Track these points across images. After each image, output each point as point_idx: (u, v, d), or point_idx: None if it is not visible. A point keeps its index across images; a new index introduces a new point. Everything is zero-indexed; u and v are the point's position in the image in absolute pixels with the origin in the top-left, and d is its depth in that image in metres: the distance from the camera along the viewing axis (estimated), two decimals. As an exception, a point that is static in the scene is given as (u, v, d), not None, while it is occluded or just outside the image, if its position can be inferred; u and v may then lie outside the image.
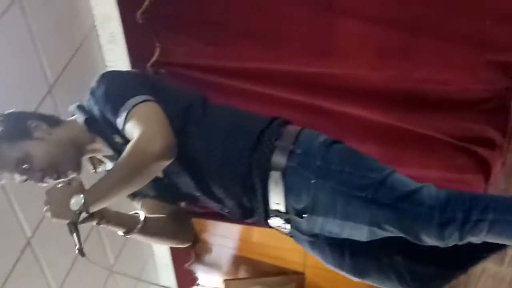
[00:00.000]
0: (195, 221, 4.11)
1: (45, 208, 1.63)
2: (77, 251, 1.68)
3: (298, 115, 3.11)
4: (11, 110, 1.82)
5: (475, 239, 1.68)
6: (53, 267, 3.25)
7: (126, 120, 1.67)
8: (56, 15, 3.03)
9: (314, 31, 2.94)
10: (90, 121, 1.82)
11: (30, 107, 2.33)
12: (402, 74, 2.93)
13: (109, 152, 1.87)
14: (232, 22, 3.04)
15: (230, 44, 3.13)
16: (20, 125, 1.77)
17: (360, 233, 1.73)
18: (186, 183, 1.86)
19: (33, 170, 1.73)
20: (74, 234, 1.66)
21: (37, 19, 2.83)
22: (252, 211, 1.87)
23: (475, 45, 2.77)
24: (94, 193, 1.63)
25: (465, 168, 3.30)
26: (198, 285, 5.18)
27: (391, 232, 1.71)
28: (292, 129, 1.85)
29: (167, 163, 1.66)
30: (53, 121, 1.84)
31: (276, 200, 1.79)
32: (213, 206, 1.93)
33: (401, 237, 1.78)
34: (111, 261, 4.04)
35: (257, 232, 4.47)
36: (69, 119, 1.89)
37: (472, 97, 2.98)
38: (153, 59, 3.27)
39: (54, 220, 1.62)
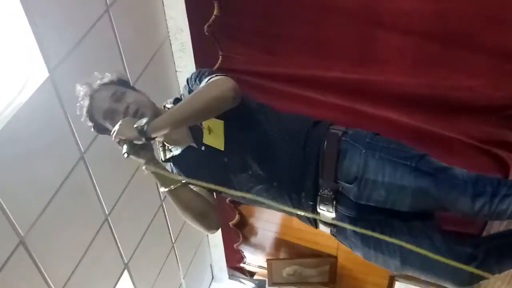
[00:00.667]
0: (244, 207, 4.14)
1: (116, 126, 1.59)
2: (124, 154, 1.58)
3: (340, 116, 3.13)
4: None
5: (503, 214, 1.65)
6: (124, 241, 3.30)
7: (207, 81, 1.70)
8: (137, 26, 3.07)
9: (357, 42, 2.90)
10: (179, 100, 1.83)
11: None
12: (433, 82, 2.88)
13: (187, 141, 1.84)
14: (285, 34, 3.02)
15: (283, 53, 3.11)
16: (126, 81, 1.84)
17: (404, 200, 1.69)
18: (243, 159, 1.80)
19: (122, 101, 1.71)
20: (124, 145, 1.57)
21: (122, 29, 2.88)
22: (302, 186, 1.78)
23: (499, 57, 2.69)
24: (158, 119, 1.58)
25: (485, 167, 3.22)
26: (244, 263, 5.14)
27: (430, 199, 1.68)
28: (339, 126, 1.88)
29: (230, 102, 1.64)
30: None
31: (328, 170, 1.75)
32: (261, 183, 1.82)
33: (439, 221, 1.81)
34: (173, 239, 4.05)
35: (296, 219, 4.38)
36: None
37: (494, 104, 2.89)
38: (216, 66, 3.28)
39: (116, 139, 1.57)
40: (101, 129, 1.79)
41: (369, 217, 1.79)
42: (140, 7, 3.02)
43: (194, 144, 1.81)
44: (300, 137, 1.75)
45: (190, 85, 1.82)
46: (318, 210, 1.80)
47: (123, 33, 2.84)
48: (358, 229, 1.63)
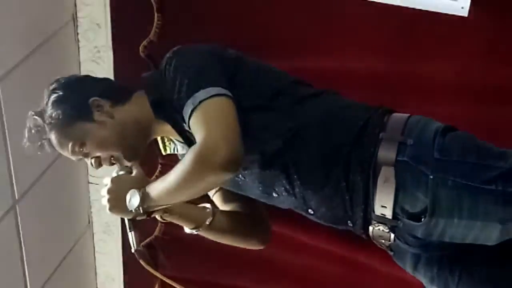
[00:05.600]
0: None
1: (103, 198, 1.51)
2: (134, 252, 1.56)
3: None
4: (70, 77, 1.63)
5: None
6: None
7: (190, 117, 1.42)
8: None
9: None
10: (157, 103, 1.57)
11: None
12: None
13: (179, 137, 1.61)
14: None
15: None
16: (81, 104, 1.54)
17: (489, 235, 1.46)
18: (265, 183, 1.63)
19: (89, 156, 1.55)
20: (131, 233, 1.54)
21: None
22: (346, 217, 1.57)
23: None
24: (152, 195, 1.46)
25: None
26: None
27: None
28: (398, 117, 1.56)
29: (228, 176, 1.42)
30: (117, 97, 1.59)
31: (383, 203, 1.49)
32: (295, 206, 1.64)
33: None
34: None
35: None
36: (137, 93, 1.61)
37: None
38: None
39: (112, 212, 1.53)
40: None
41: (437, 251, 1.58)
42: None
43: None
44: (336, 174, 1.52)
45: (166, 87, 1.52)
46: (371, 231, 1.59)
47: (15, 122, 2.20)
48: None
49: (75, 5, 2.45)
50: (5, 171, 2.21)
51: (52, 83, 1.57)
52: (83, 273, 3.03)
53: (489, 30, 2.05)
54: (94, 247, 3.00)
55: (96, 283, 3.08)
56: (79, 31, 2.53)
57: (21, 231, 2.35)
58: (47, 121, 1.52)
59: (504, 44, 2.07)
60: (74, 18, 2.49)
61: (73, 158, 1.55)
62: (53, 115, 1.50)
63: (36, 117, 1.53)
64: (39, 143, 1.54)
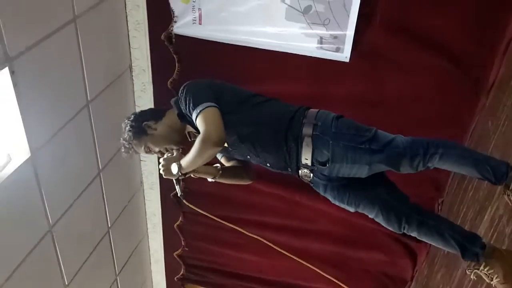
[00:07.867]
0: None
1: (160, 169, 1.92)
2: (179, 196, 1.94)
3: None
4: (135, 112, 2.09)
5: (431, 166, 1.89)
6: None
7: (196, 119, 1.86)
8: (112, 121, 2.65)
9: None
10: (180, 115, 2.01)
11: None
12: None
13: (196, 132, 2.01)
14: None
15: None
16: (139, 127, 2.00)
17: (363, 171, 1.89)
18: (243, 151, 2.00)
19: (152, 152, 2.02)
20: (177, 186, 1.93)
21: (99, 122, 2.71)
22: (287, 166, 1.98)
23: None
24: (183, 165, 1.88)
25: (399, 253, 3.34)
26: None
27: (382, 168, 1.91)
28: (312, 111, 1.96)
29: (219, 149, 1.87)
30: (158, 116, 2.04)
31: (306, 157, 1.91)
32: (259, 162, 2.04)
33: (387, 182, 2.05)
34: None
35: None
36: (169, 110, 2.06)
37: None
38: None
39: (165, 177, 1.93)
40: None
41: (336, 182, 1.99)
42: (116, 108, 3.01)
43: None
44: (279, 143, 1.92)
45: (181, 101, 1.96)
46: (300, 173, 1.99)
47: (99, 126, 2.77)
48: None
49: (131, 59, 2.95)
50: (94, 158, 2.82)
51: (128, 116, 2.06)
52: (138, 212, 3.61)
53: (361, 68, 2.70)
54: (144, 197, 3.58)
55: (146, 217, 3.73)
56: (133, 74, 3.01)
57: (104, 190, 3.00)
58: (127, 142, 2.01)
59: (371, 76, 2.72)
60: (130, 66, 2.98)
61: (145, 154, 2.09)
62: (129, 137, 2.01)
63: (123, 141, 2.03)
64: (128, 153, 2.03)
